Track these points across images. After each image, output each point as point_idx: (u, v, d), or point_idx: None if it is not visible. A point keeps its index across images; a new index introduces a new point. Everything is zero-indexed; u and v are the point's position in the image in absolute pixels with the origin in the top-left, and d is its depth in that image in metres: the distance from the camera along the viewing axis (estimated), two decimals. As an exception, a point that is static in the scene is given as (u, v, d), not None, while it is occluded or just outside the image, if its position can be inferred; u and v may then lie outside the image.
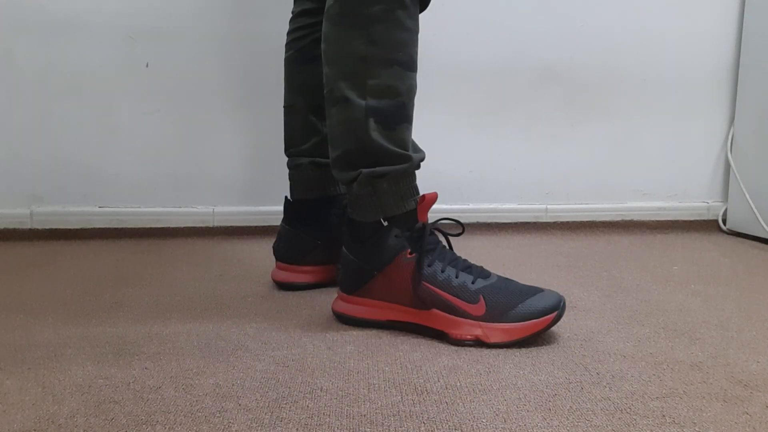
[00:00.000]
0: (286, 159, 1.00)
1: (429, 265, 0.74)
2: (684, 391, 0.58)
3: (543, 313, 0.71)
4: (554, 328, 0.76)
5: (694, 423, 0.52)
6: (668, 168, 1.57)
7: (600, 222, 1.55)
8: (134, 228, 1.43)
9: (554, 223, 1.54)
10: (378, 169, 0.76)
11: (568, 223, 1.54)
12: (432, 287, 0.73)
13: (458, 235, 0.81)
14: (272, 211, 1.46)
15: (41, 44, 1.38)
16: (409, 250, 0.75)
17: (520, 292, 0.73)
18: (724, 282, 1.00)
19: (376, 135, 0.75)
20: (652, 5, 1.50)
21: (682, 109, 1.55)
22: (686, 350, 0.69)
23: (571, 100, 1.52)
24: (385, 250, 0.76)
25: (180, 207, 1.45)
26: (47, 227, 1.41)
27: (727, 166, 1.55)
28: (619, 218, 1.55)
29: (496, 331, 0.71)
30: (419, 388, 0.58)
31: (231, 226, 1.45)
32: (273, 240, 1.39)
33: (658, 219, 1.56)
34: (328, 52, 0.78)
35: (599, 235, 1.46)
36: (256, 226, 1.46)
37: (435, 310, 0.74)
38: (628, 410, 0.54)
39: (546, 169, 1.55)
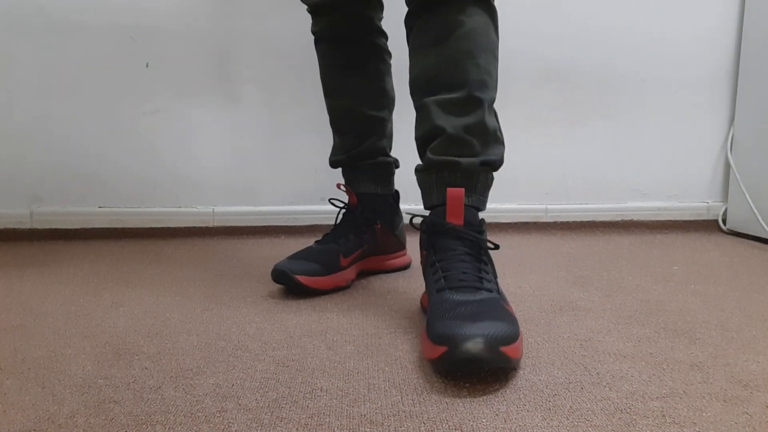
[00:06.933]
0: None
1: None
2: (684, 391, 0.58)
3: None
4: (554, 328, 0.76)
5: (694, 423, 0.52)
6: (668, 168, 1.57)
7: (600, 222, 1.55)
8: (134, 228, 1.43)
9: (554, 223, 1.54)
10: None
11: (568, 223, 1.54)
12: None
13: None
14: (272, 211, 1.46)
15: (41, 45, 1.38)
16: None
17: None
18: (724, 282, 1.00)
19: None
20: (653, 5, 1.50)
21: (682, 109, 1.55)
22: (686, 350, 0.69)
23: (571, 99, 1.53)
24: None
25: (180, 207, 1.45)
26: (47, 227, 1.41)
27: (727, 166, 1.55)
28: (619, 218, 1.55)
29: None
30: (419, 388, 0.58)
31: (231, 226, 1.45)
32: (273, 240, 1.39)
33: (658, 219, 1.56)
34: None
35: (599, 235, 1.46)
36: (256, 226, 1.46)
37: None
38: (628, 410, 0.54)
39: (546, 169, 1.55)
